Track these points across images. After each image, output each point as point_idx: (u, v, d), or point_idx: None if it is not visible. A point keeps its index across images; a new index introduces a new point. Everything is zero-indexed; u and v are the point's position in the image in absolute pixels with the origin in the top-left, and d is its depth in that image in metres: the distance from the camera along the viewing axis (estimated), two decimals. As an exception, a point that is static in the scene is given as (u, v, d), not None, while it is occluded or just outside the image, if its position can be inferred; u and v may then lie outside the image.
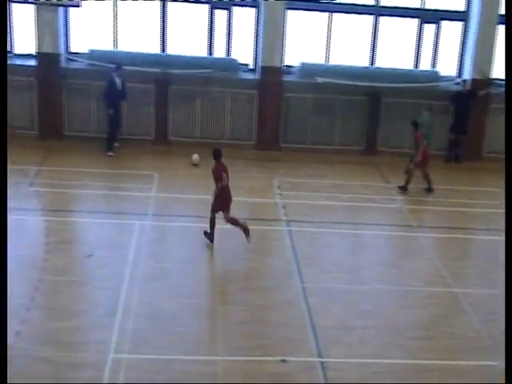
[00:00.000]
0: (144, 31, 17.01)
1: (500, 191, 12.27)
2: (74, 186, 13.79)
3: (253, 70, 17.40)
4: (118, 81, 15.63)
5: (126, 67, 15.98)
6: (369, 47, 17.40)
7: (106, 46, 16.95)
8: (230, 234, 12.47)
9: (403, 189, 14.91)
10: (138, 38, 16.93)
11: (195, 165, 15.68)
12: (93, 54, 16.77)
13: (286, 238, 12.50)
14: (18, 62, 16.64)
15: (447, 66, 17.73)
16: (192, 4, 16.98)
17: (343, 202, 14.36)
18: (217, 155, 11.63)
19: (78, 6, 15.81)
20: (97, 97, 16.46)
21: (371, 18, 17.16)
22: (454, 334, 9.84)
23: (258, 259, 12.02)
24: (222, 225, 12.10)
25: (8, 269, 10.83)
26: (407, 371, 8.90)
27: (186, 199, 13.91)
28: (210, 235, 11.91)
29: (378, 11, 17.10)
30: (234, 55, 17.32)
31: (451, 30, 17.52)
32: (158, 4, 16.75)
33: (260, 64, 16.92)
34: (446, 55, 17.70)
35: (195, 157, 15.76)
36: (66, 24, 16.69)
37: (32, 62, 16.46)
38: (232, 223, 11.83)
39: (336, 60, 17.39)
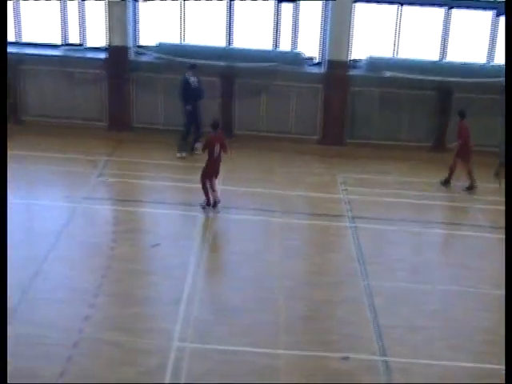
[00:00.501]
0: (211, 24, 17.13)
1: None
2: (142, 177, 14.04)
3: (319, 64, 17.28)
4: (192, 80, 15.68)
5: (194, 61, 16.08)
6: (439, 41, 17.03)
7: (174, 39, 17.15)
8: (292, 229, 12.49)
9: (470, 188, 14.60)
10: (205, 31, 17.07)
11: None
12: (161, 47, 17.00)
13: (349, 235, 12.41)
14: (89, 55, 17.02)
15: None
16: (259, -2, 16.99)
17: (409, 200, 14.15)
18: (213, 126, 12.77)
19: (146, 0, 16.08)
20: (164, 89, 16.70)
21: (442, 10, 16.79)
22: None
23: (321, 255, 12.00)
24: (283, 218, 12.09)
25: (78, 255, 11.25)
26: (471, 375, 8.75)
27: (249, 192, 13.98)
28: (207, 200, 12.64)
29: (449, 3, 16.70)
30: (299, 49, 17.25)
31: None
32: (226, -2, 16.85)
33: (326, 58, 16.79)
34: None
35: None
36: (135, 18, 16.96)
37: (102, 55, 16.81)
38: (203, 189, 12.62)
39: (405, 54, 17.08)
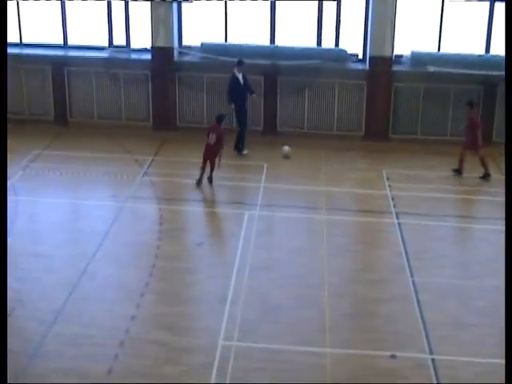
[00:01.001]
0: (254, 23, 17.17)
1: None
2: (186, 176, 14.15)
3: (362, 60, 17.16)
4: (240, 76, 15.74)
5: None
6: (484, 34, 16.72)
7: (217, 38, 17.24)
8: (337, 226, 12.43)
9: (485, 177, 14.61)
10: (248, 30, 17.11)
11: (286, 157, 15.50)
12: (204, 47, 17.12)
13: (395, 231, 12.28)
14: (134, 56, 17.25)
15: None
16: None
17: (455, 195, 13.94)
18: (217, 119, 13.94)
19: (190, 1, 16.22)
20: (208, 89, 16.82)
21: (487, 4, 16.48)
22: None
23: (366, 251, 11.91)
24: (328, 215, 12.03)
25: (125, 254, 11.40)
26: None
27: (294, 190, 13.96)
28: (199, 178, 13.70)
29: (493, -4, 16.39)
30: (342, 45, 17.16)
31: None
32: (268, -3, 16.86)
33: (369, 54, 16.66)
34: None
35: (286, 148, 15.58)
36: (179, 18, 17.11)
37: (147, 56, 17.01)
38: (201, 170, 13.70)
39: (448, 48, 16.84)
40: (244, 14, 16.98)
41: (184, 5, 16.91)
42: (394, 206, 13.28)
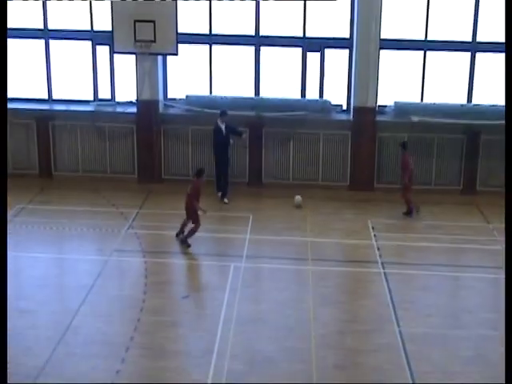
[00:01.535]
0: (238, 75, 17.41)
1: None
2: (172, 228, 14.09)
3: (346, 111, 17.39)
4: (223, 127, 15.92)
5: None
6: (466, 84, 17.04)
7: (202, 91, 17.44)
8: (324, 276, 12.38)
9: (408, 214, 15.27)
10: (233, 82, 17.33)
11: (299, 206, 15.69)
12: (189, 100, 17.30)
13: (381, 280, 12.25)
14: (120, 109, 17.38)
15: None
16: (285, 47, 17.23)
17: (441, 244, 13.96)
18: (197, 173, 13.69)
19: (175, 54, 16.44)
20: (193, 141, 16.93)
21: (467, 54, 16.84)
22: None
23: (352, 301, 11.83)
24: (314, 266, 11.97)
25: (109, 308, 11.24)
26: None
27: (278, 241, 13.94)
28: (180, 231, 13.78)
29: (474, 47, 16.75)
30: (326, 96, 17.40)
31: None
32: (252, 49, 17.13)
33: (353, 104, 16.90)
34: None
35: (298, 198, 15.79)
36: (164, 71, 17.33)
37: (133, 109, 17.14)
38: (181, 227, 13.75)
39: (431, 98, 17.12)
40: (228, 65, 17.22)
41: (169, 57, 17.14)
42: (380, 255, 13.27)
